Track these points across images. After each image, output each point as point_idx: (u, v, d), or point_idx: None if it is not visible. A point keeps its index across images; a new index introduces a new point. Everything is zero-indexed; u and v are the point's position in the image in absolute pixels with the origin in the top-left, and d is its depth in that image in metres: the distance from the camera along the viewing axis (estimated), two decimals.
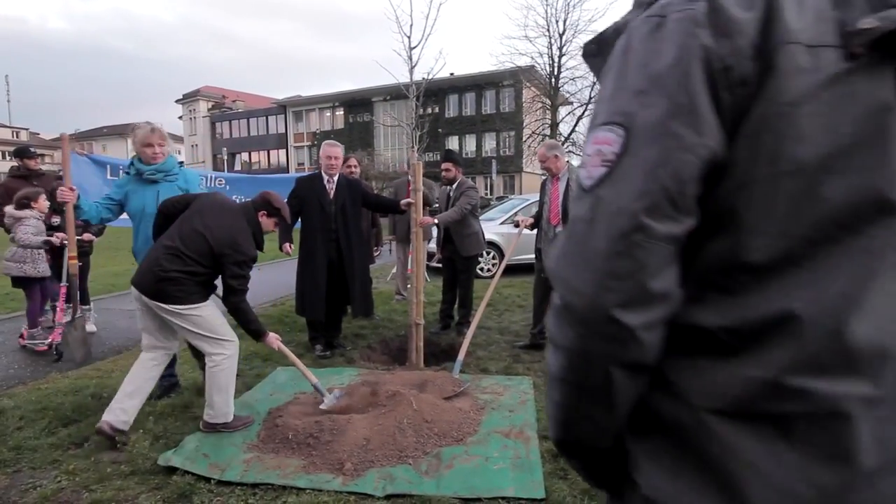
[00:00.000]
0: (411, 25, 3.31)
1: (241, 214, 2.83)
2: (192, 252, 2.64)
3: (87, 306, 5.08)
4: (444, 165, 4.78)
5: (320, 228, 3.73)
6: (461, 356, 3.70)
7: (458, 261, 4.76)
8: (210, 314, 2.74)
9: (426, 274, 8.27)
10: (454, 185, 4.73)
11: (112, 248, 12.39)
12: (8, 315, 5.87)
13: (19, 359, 4.26)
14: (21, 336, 4.63)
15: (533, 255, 4.42)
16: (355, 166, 5.15)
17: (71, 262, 3.30)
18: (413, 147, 4.06)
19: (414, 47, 3.44)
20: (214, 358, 2.73)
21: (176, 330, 2.77)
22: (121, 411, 2.65)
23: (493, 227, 8.77)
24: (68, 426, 2.92)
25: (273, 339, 2.93)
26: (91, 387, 3.24)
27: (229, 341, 2.80)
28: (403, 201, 4.15)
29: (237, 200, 3.67)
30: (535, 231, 4.34)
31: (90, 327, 5.08)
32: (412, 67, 3.49)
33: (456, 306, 4.87)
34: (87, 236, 4.87)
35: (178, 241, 2.66)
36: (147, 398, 2.84)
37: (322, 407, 3.02)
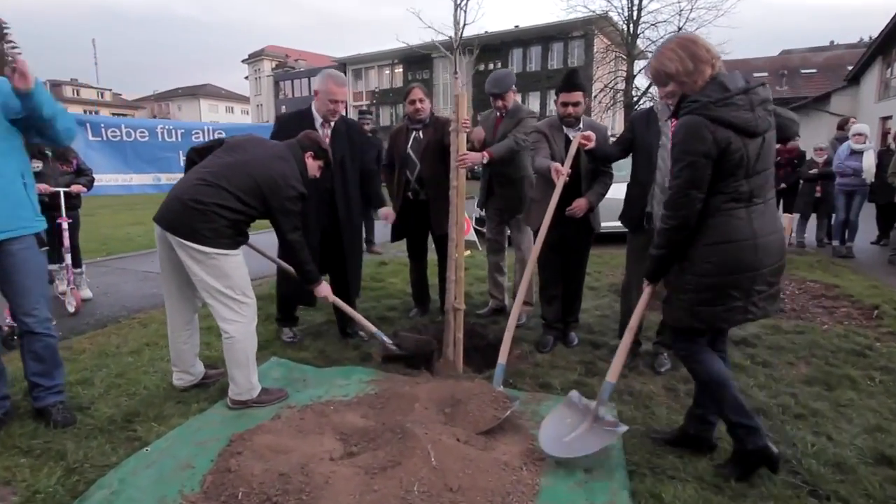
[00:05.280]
0: None
1: (287, 152, 2.54)
2: (232, 186, 2.31)
3: (80, 269, 4.43)
4: (572, 97, 3.05)
5: (312, 185, 2.67)
6: (502, 359, 2.59)
7: (578, 239, 3.22)
8: (236, 265, 2.37)
9: (477, 241, 7.15)
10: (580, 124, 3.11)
11: (128, 204, 12.34)
12: None
13: None
14: None
15: (618, 223, 3.04)
16: (420, 100, 3.47)
17: None
18: (455, 72, 2.81)
19: None
20: (228, 328, 2.38)
21: (194, 282, 2.37)
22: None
23: None
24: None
25: (325, 289, 2.68)
26: None
27: (246, 304, 2.41)
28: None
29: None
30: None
31: (85, 293, 4.45)
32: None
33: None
34: (75, 188, 4.17)
35: (217, 173, 2.34)
36: None
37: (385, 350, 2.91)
